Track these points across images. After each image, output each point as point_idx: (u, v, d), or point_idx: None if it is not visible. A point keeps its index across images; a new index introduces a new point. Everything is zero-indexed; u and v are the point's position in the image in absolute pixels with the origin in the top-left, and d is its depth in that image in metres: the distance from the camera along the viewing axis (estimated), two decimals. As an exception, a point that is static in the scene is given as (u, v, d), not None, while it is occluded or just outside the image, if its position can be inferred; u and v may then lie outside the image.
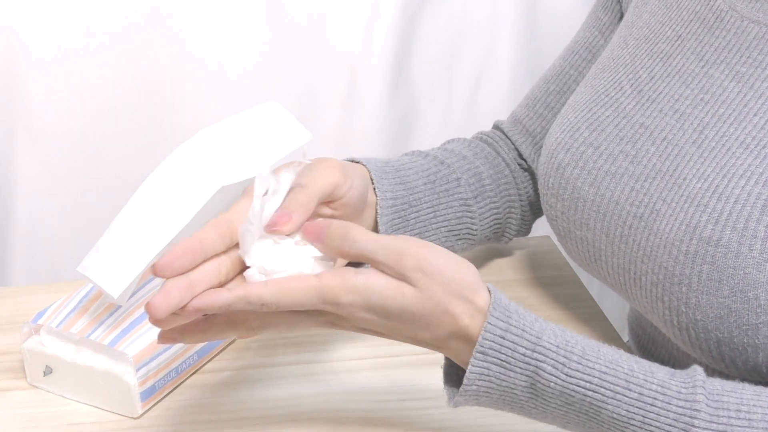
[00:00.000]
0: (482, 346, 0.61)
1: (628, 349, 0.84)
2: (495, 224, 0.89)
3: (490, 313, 0.61)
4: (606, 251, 0.74)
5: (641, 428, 0.61)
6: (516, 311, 0.62)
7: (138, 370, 0.75)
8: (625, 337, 0.93)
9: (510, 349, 0.61)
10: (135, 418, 0.76)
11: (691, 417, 0.60)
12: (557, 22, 1.25)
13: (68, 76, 1.19)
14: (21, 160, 1.23)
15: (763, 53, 0.70)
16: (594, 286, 1.06)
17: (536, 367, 0.61)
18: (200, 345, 0.81)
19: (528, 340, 0.61)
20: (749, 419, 0.60)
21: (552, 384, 0.61)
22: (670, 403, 0.60)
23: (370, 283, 0.60)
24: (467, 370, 0.62)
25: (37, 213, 1.25)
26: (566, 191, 0.77)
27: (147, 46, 1.19)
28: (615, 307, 1.19)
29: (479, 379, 0.62)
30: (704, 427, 0.59)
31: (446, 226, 0.82)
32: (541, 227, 1.01)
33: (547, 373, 0.61)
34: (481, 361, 0.61)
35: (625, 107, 0.76)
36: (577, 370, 0.61)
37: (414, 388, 0.78)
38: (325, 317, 0.62)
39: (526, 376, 0.61)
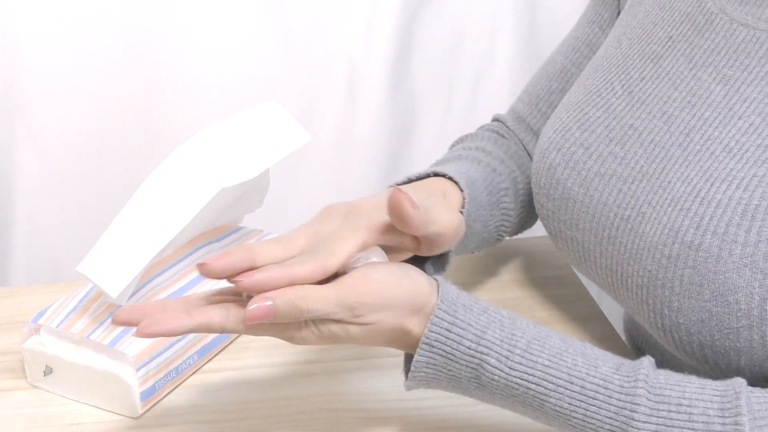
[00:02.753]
0: (428, 338, 0.64)
1: (623, 348, 0.85)
2: (518, 227, 0.89)
3: (437, 306, 0.64)
4: (595, 252, 0.74)
5: (583, 421, 0.62)
6: (463, 305, 0.64)
7: (138, 370, 0.75)
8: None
9: (455, 342, 0.63)
10: (135, 418, 0.76)
11: (631, 411, 0.61)
12: (557, 21, 1.25)
13: (68, 76, 1.20)
14: (21, 160, 1.23)
15: (750, 57, 0.70)
16: (594, 286, 1.06)
17: (480, 360, 0.63)
18: (200, 345, 0.81)
19: (473, 334, 0.63)
20: (689, 413, 0.61)
21: (496, 377, 0.63)
22: (611, 397, 0.62)
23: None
24: (414, 358, 0.64)
25: (37, 213, 1.25)
26: (557, 191, 0.78)
27: (147, 46, 1.19)
28: (614, 307, 1.19)
29: (426, 367, 0.65)
30: (644, 420, 0.61)
31: (485, 236, 0.82)
32: (542, 227, 1.01)
33: (491, 366, 0.63)
34: (427, 351, 0.64)
35: (615, 108, 0.76)
36: (520, 363, 0.63)
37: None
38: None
39: (471, 368, 0.64)
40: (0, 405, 0.78)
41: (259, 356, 0.83)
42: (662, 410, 0.61)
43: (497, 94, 1.28)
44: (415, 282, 0.64)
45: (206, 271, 0.59)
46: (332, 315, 0.62)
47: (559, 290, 0.93)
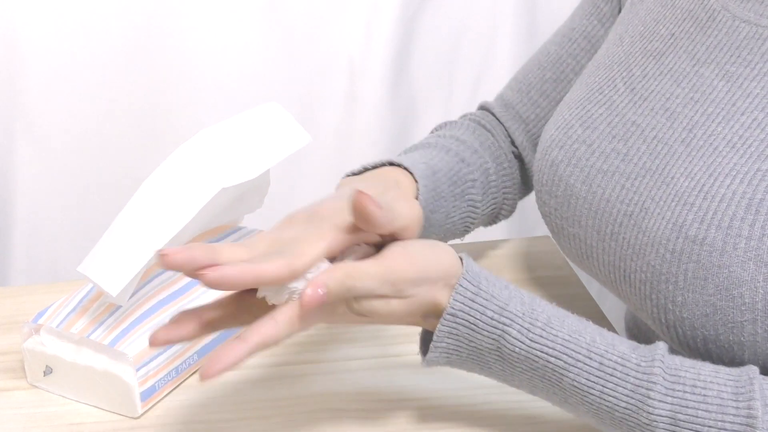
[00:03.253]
0: (453, 308, 0.64)
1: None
2: (490, 218, 0.90)
3: (462, 276, 0.64)
4: (597, 248, 0.75)
5: (600, 397, 0.63)
6: (486, 278, 0.65)
7: (138, 370, 0.75)
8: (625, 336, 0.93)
9: (478, 312, 0.64)
10: (135, 418, 0.76)
11: (647, 389, 0.62)
12: (557, 21, 1.25)
13: (68, 77, 1.20)
14: (21, 160, 1.23)
15: (753, 53, 0.70)
16: (594, 286, 1.06)
17: (502, 331, 0.64)
18: (200, 345, 0.81)
19: (496, 305, 0.64)
20: (704, 395, 0.61)
21: (517, 349, 0.64)
22: (628, 375, 0.63)
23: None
24: (437, 328, 0.65)
25: (37, 213, 1.25)
26: (559, 188, 0.78)
27: (147, 46, 1.19)
28: (615, 307, 1.19)
29: (448, 337, 0.65)
30: (659, 399, 0.62)
31: (448, 227, 0.83)
32: (542, 227, 1.01)
33: (513, 337, 0.64)
34: (451, 321, 0.64)
35: (618, 105, 0.76)
36: (541, 336, 0.64)
37: (414, 388, 0.78)
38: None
39: (493, 339, 0.64)
40: (0, 405, 0.78)
41: (259, 356, 0.83)
42: (677, 390, 0.62)
43: (497, 94, 1.28)
44: (448, 254, 0.66)
45: (165, 262, 0.59)
46: (376, 291, 0.62)
47: (559, 290, 0.93)
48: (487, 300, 0.64)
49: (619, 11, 0.88)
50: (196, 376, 0.81)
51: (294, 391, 0.79)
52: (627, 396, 0.62)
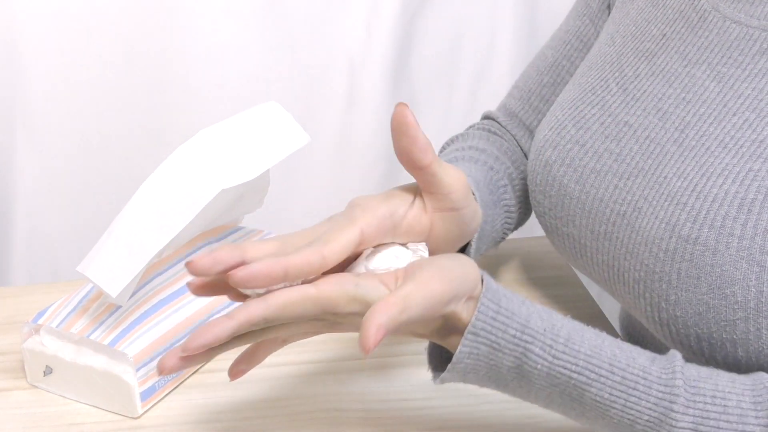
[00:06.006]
0: (474, 327, 0.61)
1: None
2: (519, 221, 0.89)
3: (483, 295, 0.62)
4: (591, 248, 0.75)
5: (622, 411, 0.62)
6: (505, 295, 0.63)
7: (138, 370, 0.75)
8: (624, 336, 0.93)
9: (500, 330, 0.62)
10: (135, 418, 0.76)
11: (670, 402, 0.61)
12: (557, 21, 1.25)
13: (68, 76, 1.20)
14: (21, 160, 1.23)
15: (744, 54, 0.70)
16: (594, 286, 1.06)
17: (525, 348, 0.62)
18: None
19: (517, 323, 0.62)
20: (724, 405, 0.61)
21: (539, 366, 0.62)
22: (650, 388, 0.62)
23: (370, 297, 0.59)
24: (458, 349, 0.62)
25: (37, 213, 1.25)
26: (553, 188, 0.78)
27: (147, 46, 1.19)
28: (615, 307, 1.19)
29: (468, 358, 0.63)
30: (682, 411, 0.61)
31: (494, 236, 0.82)
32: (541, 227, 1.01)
33: (535, 354, 0.62)
34: (472, 341, 0.62)
35: (610, 105, 0.77)
36: (564, 353, 0.62)
37: (414, 388, 0.78)
38: (324, 322, 0.62)
39: (514, 357, 0.62)
40: (0, 405, 0.78)
41: (259, 356, 0.83)
42: (698, 402, 0.61)
43: (497, 95, 1.28)
44: (472, 267, 0.63)
45: (193, 269, 0.57)
46: (420, 317, 0.60)
47: (559, 290, 0.93)
48: (508, 318, 0.62)
49: (608, 8, 0.88)
50: (196, 376, 0.81)
51: (294, 391, 0.79)
52: (650, 409, 0.61)
